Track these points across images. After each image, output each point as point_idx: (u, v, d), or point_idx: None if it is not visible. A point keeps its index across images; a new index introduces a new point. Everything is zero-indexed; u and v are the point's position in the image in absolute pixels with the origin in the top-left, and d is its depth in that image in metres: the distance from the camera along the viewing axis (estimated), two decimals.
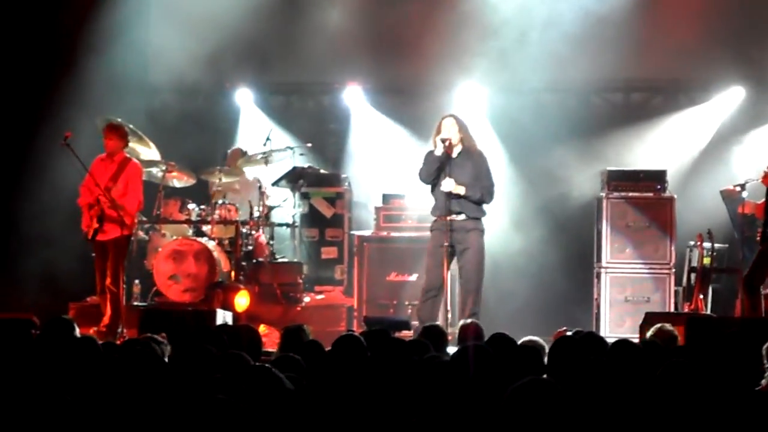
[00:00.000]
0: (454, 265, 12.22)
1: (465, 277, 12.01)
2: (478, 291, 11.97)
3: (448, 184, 11.84)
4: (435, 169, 11.97)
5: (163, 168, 14.15)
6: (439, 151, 11.95)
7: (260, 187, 14.44)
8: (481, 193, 11.98)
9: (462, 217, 11.93)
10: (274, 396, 4.73)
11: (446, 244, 11.85)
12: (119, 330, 12.22)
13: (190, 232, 14.15)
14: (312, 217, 15.30)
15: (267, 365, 5.58)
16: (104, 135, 12.56)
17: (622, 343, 7.13)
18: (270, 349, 9.48)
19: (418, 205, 14.28)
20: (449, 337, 9.49)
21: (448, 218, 11.87)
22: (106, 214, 12.25)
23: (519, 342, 7.63)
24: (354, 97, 16.43)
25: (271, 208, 14.57)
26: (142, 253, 14.26)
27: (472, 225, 11.98)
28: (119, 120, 13.70)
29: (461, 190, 11.86)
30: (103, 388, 5.63)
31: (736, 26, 15.40)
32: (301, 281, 14.25)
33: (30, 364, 6.49)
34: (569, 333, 8.76)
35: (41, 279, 14.62)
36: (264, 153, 14.64)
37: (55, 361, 6.36)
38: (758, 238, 11.81)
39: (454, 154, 12.02)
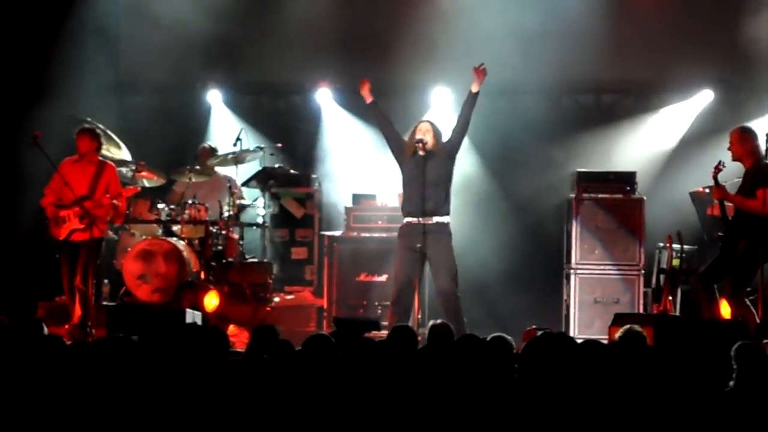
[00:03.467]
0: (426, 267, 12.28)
1: (443, 281, 12.01)
2: (457, 293, 12.01)
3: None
4: (385, 126, 12.36)
5: (133, 168, 14.10)
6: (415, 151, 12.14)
7: (230, 187, 14.40)
8: (455, 138, 12.26)
9: (434, 220, 11.98)
10: (252, 391, 4.72)
11: (418, 246, 11.89)
12: (88, 329, 12.17)
13: (160, 231, 14.10)
14: (282, 218, 15.28)
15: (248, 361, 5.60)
16: (76, 137, 12.57)
17: (591, 344, 7.16)
18: (239, 349, 9.48)
19: (389, 206, 14.31)
20: (419, 338, 9.50)
21: (421, 220, 11.93)
22: (89, 217, 12.22)
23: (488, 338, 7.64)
24: (324, 98, 16.42)
25: (241, 208, 14.54)
26: (111, 253, 14.20)
27: (443, 228, 12.03)
28: (89, 119, 13.67)
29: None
30: (69, 386, 5.61)
31: (706, 29, 15.48)
32: (270, 281, 14.22)
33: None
34: (539, 333, 8.78)
35: (9, 278, 14.56)
36: (234, 153, 14.61)
37: (22, 359, 6.34)
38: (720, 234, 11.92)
39: (422, 154, 12.12)
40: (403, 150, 12.25)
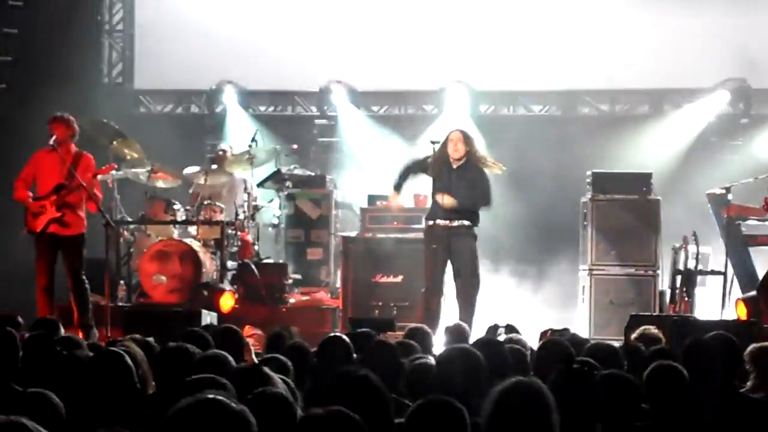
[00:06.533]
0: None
1: (463, 287, 12.05)
2: (475, 294, 12.03)
3: (447, 201, 11.94)
4: (407, 178, 12.33)
5: (148, 169, 14.11)
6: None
7: (246, 189, 14.42)
8: (473, 201, 12.07)
9: (457, 222, 12.02)
10: (264, 398, 4.72)
11: (434, 246, 11.95)
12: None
13: (176, 232, 14.12)
14: (297, 219, 15.28)
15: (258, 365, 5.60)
16: (50, 126, 11.98)
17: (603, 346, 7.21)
18: (255, 350, 9.48)
19: (404, 207, 14.29)
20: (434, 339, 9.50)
21: (444, 223, 11.98)
22: (69, 207, 11.95)
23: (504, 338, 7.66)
24: (340, 99, 16.43)
25: (256, 209, 14.55)
26: (127, 254, 14.22)
27: (466, 230, 12.06)
28: (104, 120, 13.71)
29: (453, 203, 11.96)
30: (86, 386, 5.63)
31: (721, 31, 15.47)
32: (286, 282, 14.22)
33: (15, 364, 6.49)
34: (555, 334, 8.80)
35: (23, 278, 14.58)
36: (250, 154, 14.62)
37: (40, 362, 6.36)
38: None
39: (455, 166, 12.12)
40: (430, 167, 12.24)
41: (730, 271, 12.97)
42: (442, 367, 6.16)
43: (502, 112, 16.41)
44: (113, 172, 13.04)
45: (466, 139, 12.26)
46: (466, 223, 12.08)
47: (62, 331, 8.72)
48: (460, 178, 12.06)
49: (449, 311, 12.88)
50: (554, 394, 4.55)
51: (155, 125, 15.77)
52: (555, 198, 15.23)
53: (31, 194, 12.06)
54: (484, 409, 4.50)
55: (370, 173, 15.57)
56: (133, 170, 13.97)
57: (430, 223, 12.19)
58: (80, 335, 11.65)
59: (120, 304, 13.38)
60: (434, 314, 11.90)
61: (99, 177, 12.33)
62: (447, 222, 12.04)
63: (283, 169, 14.97)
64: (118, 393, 5.63)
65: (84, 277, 12.08)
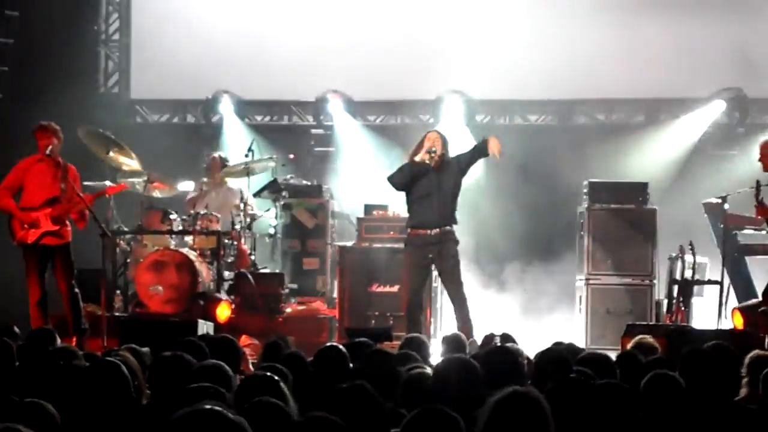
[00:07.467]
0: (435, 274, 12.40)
1: (452, 286, 12.10)
2: (466, 297, 12.12)
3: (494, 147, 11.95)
4: (411, 179, 12.07)
5: (145, 179, 14.10)
6: (426, 159, 12.10)
7: (242, 198, 14.41)
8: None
9: (444, 229, 12.03)
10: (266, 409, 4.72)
11: (430, 256, 11.98)
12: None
13: (172, 242, 14.11)
14: (294, 228, 15.27)
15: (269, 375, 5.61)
16: (38, 134, 11.92)
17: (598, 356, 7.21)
18: (251, 360, 9.48)
19: (401, 216, 14.29)
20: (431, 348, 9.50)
21: (431, 232, 12.00)
22: (61, 219, 11.88)
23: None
24: (336, 108, 16.43)
25: (253, 219, 14.54)
26: (124, 264, 14.21)
27: (451, 235, 12.10)
28: (101, 130, 13.70)
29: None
30: (81, 396, 5.63)
31: (717, 40, 15.50)
32: (282, 292, 14.22)
33: (11, 374, 6.48)
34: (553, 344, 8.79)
35: (20, 288, 14.55)
36: (246, 163, 14.62)
37: (36, 371, 6.35)
38: None
39: (434, 166, 12.14)
40: (411, 174, 12.20)
41: (727, 280, 12.97)
42: (439, 376, 6.16)
43: (498, 122, 16.43)
44: (108, 182, 13.06)
45: (443, 139, 12.26)
46: (452, 228, 12.12)
47: (59, 341, 8.70)
48: (443, 180, 12.07)
49: (443, 321, 12.93)
50: (551, 403, 4.55)
51: (152, 135, 15.78)
52: (551, 207, 15.23)
53: (14, 203, 11.99)
54: (480, 418, 4.50)
55: (366, 183, 15.57)
56: (130, 180, 13.95)
57: (414, 231, 12.17)
58: (74, 341, 11.69)
59: (116, 314, 13.35)
60: (419, 326, 11.92)
61: (108, 195, 12.35)
62: (430, 230, 12.05)
63: (280, 179, 14.96)
64: (115, 403, 5.62)
65: (74, 283, 12.07)
